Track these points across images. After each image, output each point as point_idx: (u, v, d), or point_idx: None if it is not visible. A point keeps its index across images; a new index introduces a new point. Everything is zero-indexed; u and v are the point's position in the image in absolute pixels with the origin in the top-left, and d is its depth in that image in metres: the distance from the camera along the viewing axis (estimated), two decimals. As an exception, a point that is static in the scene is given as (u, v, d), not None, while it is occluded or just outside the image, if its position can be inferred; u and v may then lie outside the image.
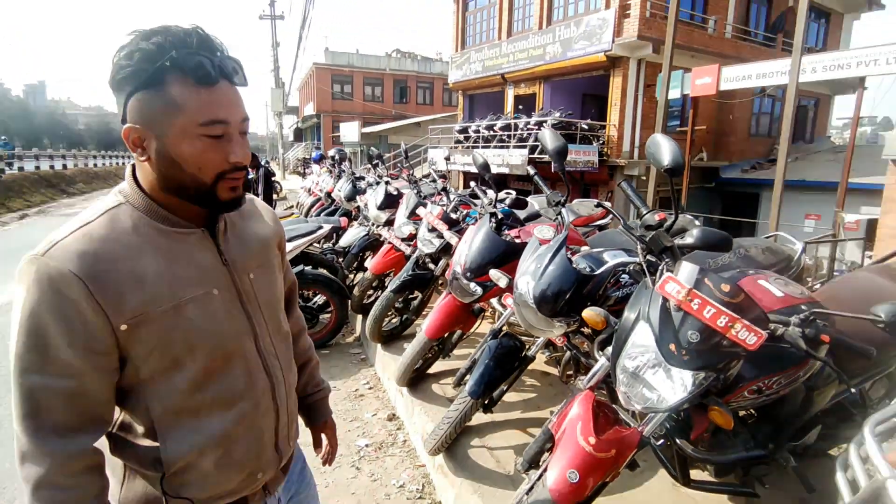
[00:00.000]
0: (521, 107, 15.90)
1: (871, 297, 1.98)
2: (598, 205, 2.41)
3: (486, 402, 2.45)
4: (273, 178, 9.33)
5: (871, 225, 9.07)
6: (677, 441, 1.72)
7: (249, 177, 8.28)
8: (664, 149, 1.74)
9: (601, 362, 1.80)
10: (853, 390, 1.99)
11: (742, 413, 2.04)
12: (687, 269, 1.49)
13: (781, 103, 13.27)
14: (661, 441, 1.87)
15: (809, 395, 1.89)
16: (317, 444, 1.36)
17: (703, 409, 1.58)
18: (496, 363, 2.38)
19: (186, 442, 0.89)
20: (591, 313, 1.82)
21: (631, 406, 1.59)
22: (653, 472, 2.43)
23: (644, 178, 12.41)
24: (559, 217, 2.40)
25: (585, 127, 13.11)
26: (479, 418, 2.74)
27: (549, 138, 2.26)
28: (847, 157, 9.46)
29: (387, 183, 4.70)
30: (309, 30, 22.15)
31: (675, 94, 10.99)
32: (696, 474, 1.94)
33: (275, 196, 11.85)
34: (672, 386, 1.52)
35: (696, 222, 2.91)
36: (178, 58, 0.79)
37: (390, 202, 4.48)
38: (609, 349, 1.72)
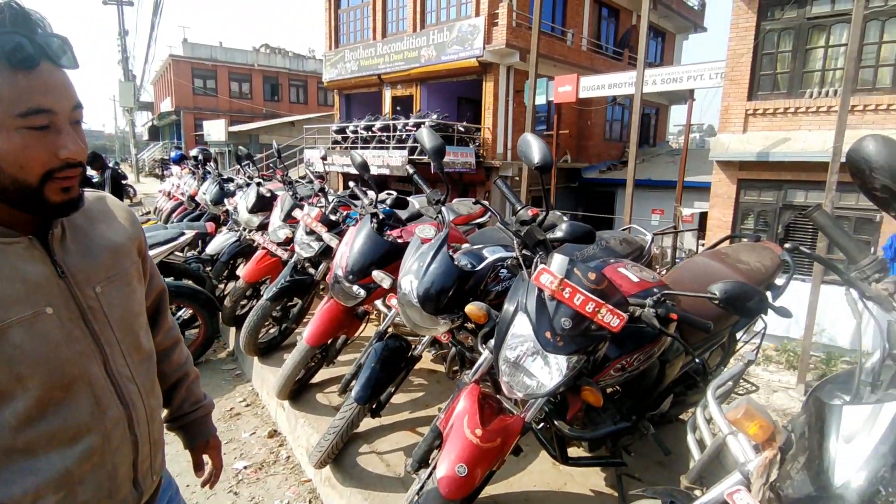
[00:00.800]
0: (398, 108, 15.99)
1: (706, 278, 2.28)
2: (476, 202, 2.48)
3: (373, 406, 2.40)
4: (124, 182, 8.30)
5: (703, 217, 10.55)
6: (555, 423, 1.82)
7: (94, 180, 7.27)
8: (534, 147, 1.84)
9: (485, 355, 1.84)
10: (697, 360, 2.27)
11: (609, 390, 2.23)
12: (559, 261, 1.58)
13: (629, 111, 14.95)
14: (542, 424, 1.97)
15: (663, 368, 2.12)
16: (198, 468, 1.21)
17: (577, 389, 1.69)
18: (382, 366, 2.34)
19: (19, 486, 0.76)
20: (473, 308, 1.86)
21: (513, 394, 1.65)
22: (535, 455, 2.57)
23: (518, 178, 13.16)
24: (440, 216, 2.42)
25: (462, 129, 13.58)
26: (367, 424, 2.67)
27: (426, 137, 2.27)
28: (682, 159, 10.93)
29: (258, 184, 4.41)
30: (160, 17, 20.10)
31: (541, 100, 11.81)
32: (572, 452, 2.08)
33: (126, 201, 10.57)
34: (549, 371, 1.60)
35: (565, 218, 3.13)
36: None
37: (263, 205, 4.21)
38: (492, 342, 1.77)
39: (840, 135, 5.81)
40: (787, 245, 1.28)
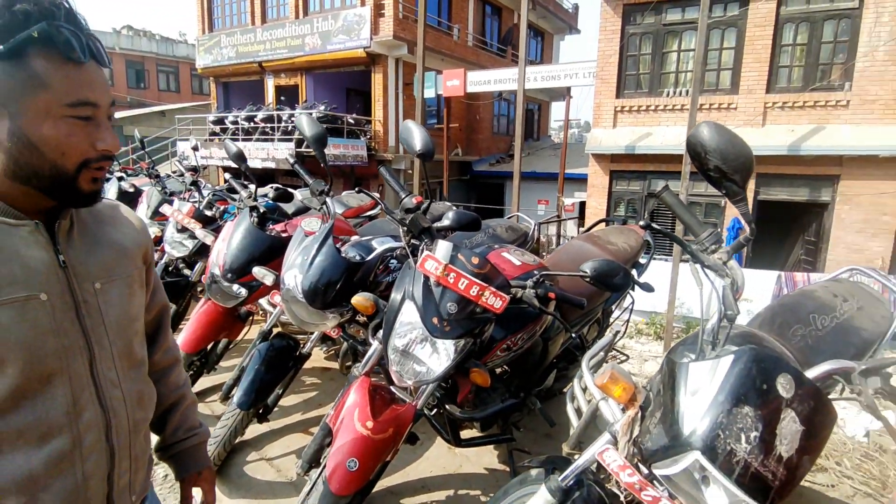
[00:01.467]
0: (283, 98, 15.22)
1: (581, 259, 2.44)
2: (360, 190, 2.43)
3: (259, 411, 2.27)
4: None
5: (583, 206, 11.37)
6: (447, 407, 1.85)
7: None
8: (415, 134, 1.84)
9: (374, 346, 1.82)
10: (574, 336, 2.44)
11: (498, 371, 2.32)
12: (443, 247, 1.59)
13: (514, 106, 15.64)
14: (434, 410, 2.00)
15: (546, 346, 2.25)
16: (186, 501, 1.09)
17: (466, 372, 1.72)
18: (267, 367, 2.22)
19: None
20: (359, 299, 1.82)
21: (403, 382, 1.64)
22: (431, 442, 2.60)
23: (410, 171, 13.20)
24: (324, 207, 2.34)
25: (352, 121, 13.28)
26: (255, 430, 2.52)
27: (306, 125, 2.17)
28: (562, 152, 11.70)
29: (120, 179, 3.95)
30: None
31: (430, 93, 11.92)
32: (467, 434, 2.14)
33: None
34: (438, 356, 1.61)
35: (453, 207, 3.19)
36: (48, 30, 0.72)
37: (126, 201, 3.78)
38: (381, 333, 1.74)
39: (691, 130, 6.54)
40: (641, 223, 1.40)
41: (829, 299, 1.91)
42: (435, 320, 1.59)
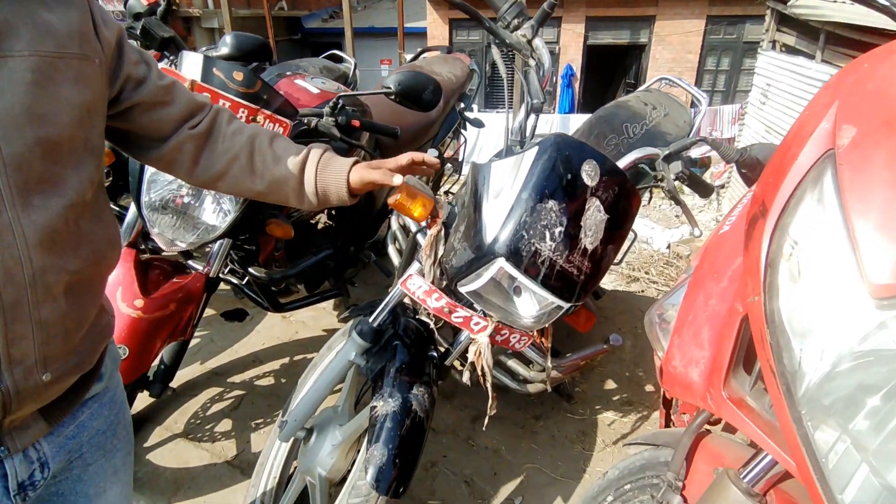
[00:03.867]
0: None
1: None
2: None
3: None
4: None
5: (424, 62, 10.80)
6: (251, 270, 1.57)
7: None
8: None
9: (130, 211, 1.42)
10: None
11: (321, 226, 2.07)
12: (191, 60, 1.18)
13: (341, -53, 13.60)
14: (245, 279, 1.71)
15: (370, 194, 2.01)
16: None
17: (263, 227, 1.43)
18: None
19: None
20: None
21: (174, 247, 1.31)
22: (264, 314, 2.37)
23: (223, 30, 11.19)
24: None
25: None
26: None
27: None
28: (399, 5, 10.67)
29: None
30: None
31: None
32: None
33: None
34: (215, 210, 1.29)
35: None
36: None
37: None
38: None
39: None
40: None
41: (641, 108, 1.90)
42: (202, 163, 1.23)
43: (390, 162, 0.93)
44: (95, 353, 0.71)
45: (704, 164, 6.41)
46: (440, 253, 1.02)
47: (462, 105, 2.50)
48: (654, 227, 4.50)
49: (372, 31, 13.92)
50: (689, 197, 5.42)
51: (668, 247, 4.05)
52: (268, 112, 1.22)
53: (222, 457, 1.65)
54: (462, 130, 2.67)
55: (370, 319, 1.14)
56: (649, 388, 1.99)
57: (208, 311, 2.42)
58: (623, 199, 0.96)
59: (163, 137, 0.79)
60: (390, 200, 0.95)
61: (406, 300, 1.27)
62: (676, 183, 1.19)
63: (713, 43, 8.59)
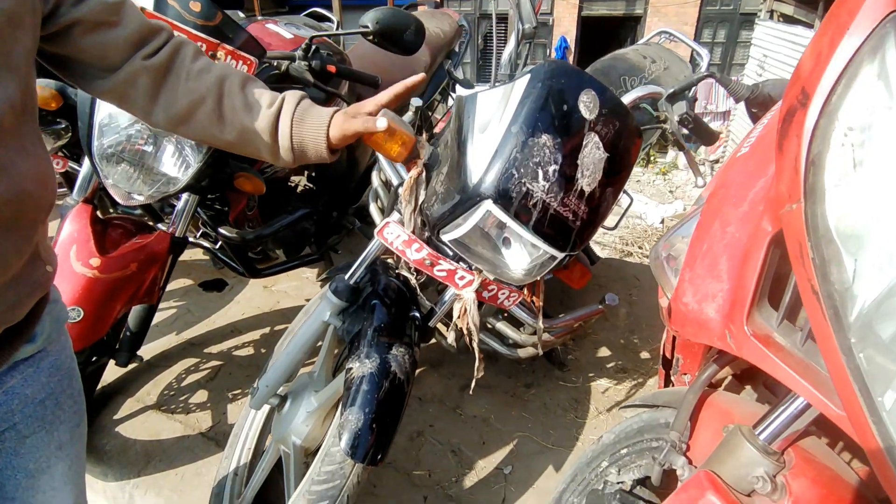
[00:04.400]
0: None
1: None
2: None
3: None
4: None
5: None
6: (222, 231, 1.46)
7: None
8: None
9: (84, 163, 1.30)
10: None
11: (300, 189, 1.96)
12: (143, -11, 1.05)
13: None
14: (218, 243, 1.61)
15: (350, 152, 1.90)
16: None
17: (231, 182, 1.32)
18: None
19: None
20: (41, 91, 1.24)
21: (132, 200, 1.20)
22: (244, 283, 2.27)
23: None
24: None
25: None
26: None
27: None
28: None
29: None
30: None
31: None
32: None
33: None
34: (176, 160, 1.18)
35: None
36: None
37: None
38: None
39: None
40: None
41: (640, 61, 1.79)
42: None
43: (368, 104, 0.82)
44: (22, 308, 0.61)
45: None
46: (421, 199, 0.92)
47: (450, 62, 2.37)
48: (647, 202, 4.43)
49: (362, 2, 13.55)
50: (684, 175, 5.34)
51: (662, 221, 3.98)
52: (229, 47, 1.10)
53: (196, 428, 1.56)
54: (451, 92, 2.54)
55: (346, 277, 1.05)
56: (644, 354, 1.93)
57: (186, 282, 2.33)
58: (625, 136, 0.86)
59: (111, 66, 0.68)
60: (369, 141, 0.85)
61: (388, 259, 1.18)
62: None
63: (709, 14, 8.41)
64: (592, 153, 0.83)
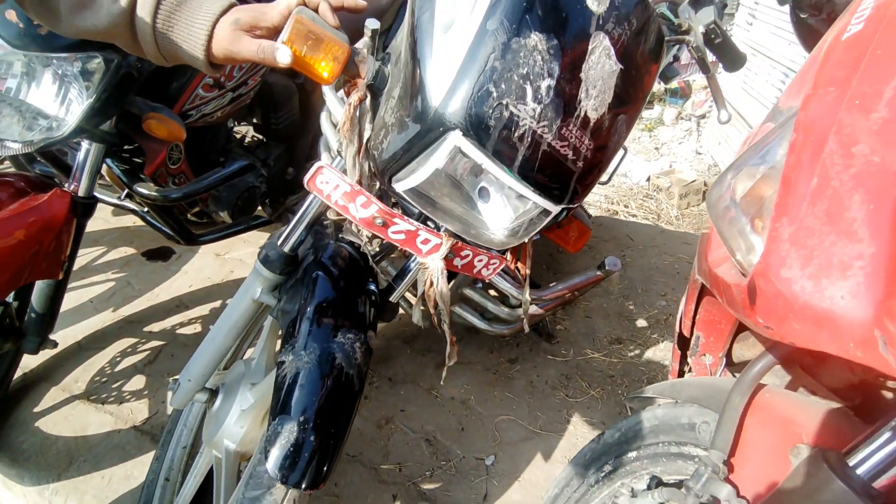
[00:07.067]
0: None
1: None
2: None
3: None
4: None
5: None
6: (138, 188, 1.20)
7: None
8: None
9: None
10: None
11: (247, 141, 1.69)
12: None
13: None
14: (147, 209, 1.35)
15: (306, 99, 1.63)
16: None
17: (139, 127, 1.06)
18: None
19: None
20: None
21: (5, 149, 0.93)
22: (190, 254, 2.01)
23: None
24: None
25: None
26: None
27: None
28: None
29: None
30: None
31: None
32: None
33: None
34: (56, 96, 0.91)
35: None
36: None
37: None
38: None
39: None
40: None
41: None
42: (22, 25, 0.84)
43: (273, 13, 0.58)
44: None
45: (685, 93, 6.03)
46: (366, 135, 0.68)
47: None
48: (633, 159, 4.20)
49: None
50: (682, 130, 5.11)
51: (648, 179, 3.78)
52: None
53: (129, 421, 1.35)
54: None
55: (278, 242, 0.81)
56: (641, 322, 1.74)
57: (128, 251, 2.06)
58: (644, 40, 0.63)
59: None
60: (278, 57, 0.59)
61: (340, 219, 0.95)
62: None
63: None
64: (601, 64, 0.59)
